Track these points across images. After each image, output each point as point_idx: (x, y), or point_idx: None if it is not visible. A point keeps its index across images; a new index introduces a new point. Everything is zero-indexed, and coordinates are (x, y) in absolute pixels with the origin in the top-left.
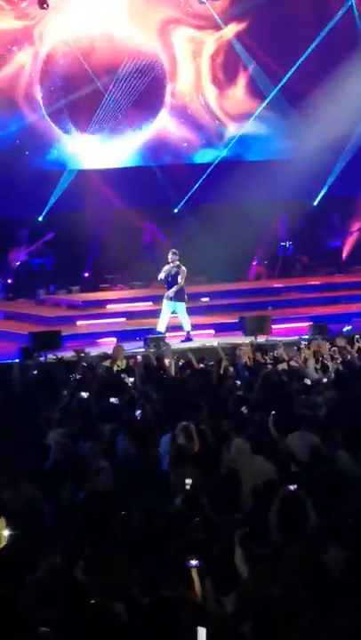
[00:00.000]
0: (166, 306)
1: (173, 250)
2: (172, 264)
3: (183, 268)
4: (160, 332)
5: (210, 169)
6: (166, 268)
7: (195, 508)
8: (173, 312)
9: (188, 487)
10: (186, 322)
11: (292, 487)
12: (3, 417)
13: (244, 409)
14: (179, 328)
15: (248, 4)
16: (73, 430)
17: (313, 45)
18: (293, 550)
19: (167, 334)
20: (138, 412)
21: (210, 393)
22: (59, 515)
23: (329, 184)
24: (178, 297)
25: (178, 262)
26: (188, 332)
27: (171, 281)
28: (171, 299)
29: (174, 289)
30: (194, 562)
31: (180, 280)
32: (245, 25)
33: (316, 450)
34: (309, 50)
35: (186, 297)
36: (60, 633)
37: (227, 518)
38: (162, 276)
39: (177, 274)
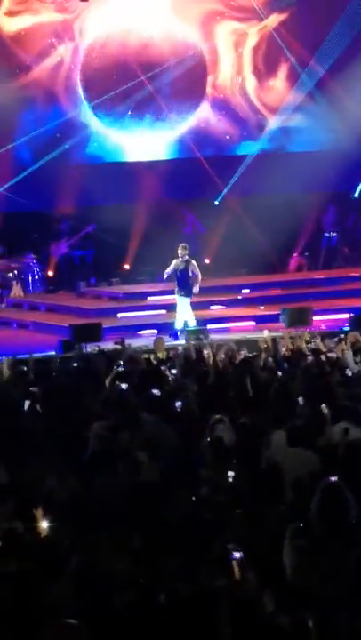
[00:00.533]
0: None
1: (184, 244)
2: (180, 259)
3: (193, 262)
4: (185, 327)
5: (250, 160)
6: (174, 262)
7: (237, 501)
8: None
9: (230, 480)
10: (180, 319)
11: (333, 479)
12: (44, 409)
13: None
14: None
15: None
16: (114, 422)
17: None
18: (335, 543)
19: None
20: (178, 404)
21: (251, 384)
22: (99, 506)
23: None
24: (186, 292)
25: (187, 257)
26: (177, 331)
27: (180, 276)
28: (180, 294)
29: (197, 286)
30: (237, 554)
31: (196, 273)
32: (287, 16)
33: (358, 442)
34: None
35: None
36: (98, 625)
37: (269, 511)
38: (168, 270)
39: (186, 268)
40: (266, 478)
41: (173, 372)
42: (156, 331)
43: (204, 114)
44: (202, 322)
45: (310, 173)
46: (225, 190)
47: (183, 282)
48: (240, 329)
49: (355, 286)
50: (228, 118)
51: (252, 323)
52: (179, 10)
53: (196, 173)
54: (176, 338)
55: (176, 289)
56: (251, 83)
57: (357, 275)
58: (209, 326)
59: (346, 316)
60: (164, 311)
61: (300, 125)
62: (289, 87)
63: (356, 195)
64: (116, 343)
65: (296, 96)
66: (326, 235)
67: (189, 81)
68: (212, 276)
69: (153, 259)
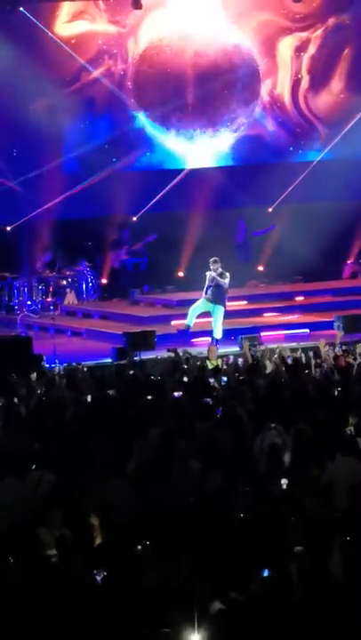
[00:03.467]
0: (205, 307)
1: (214, 258)
2: (212, 272)
3: (226, 273)
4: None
5: (305, 168)
6: (208, 274)
7: (292, 509)
8: (210, 314)
9: (283, 487)
10: (219, 328)
11: None
12: (100, 416)
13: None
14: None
15: (342, 3)
16: (168, 429)
17: None
18: None
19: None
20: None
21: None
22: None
23: None
24: (217, 299)
25: (220, 270)
26: (216, 339)
27: (215, 287)
28: (210, 300)
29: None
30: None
31: (224, 282)
32: (342, 21)
33: None
34: None
35: (226, 302)
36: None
37: (324, 519)
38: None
39: (215, 279)
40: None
41: (224, 379)
42: (209, 338)
43: (259, 121)
44: (255, 329)
45: None
46: (280, 198)
47: (219, 293)
48: (294, 336)
49: None
50: (282, 126)
51: (307, 330)
52: (233, 18)
53: (251, 181)
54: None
55: (212, 299)
56: (306, 89)
57: None
58: (263, 333)
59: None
60: None
61: (357, 132)
62: (345, 94)
63: None
64: (169, 351)
65: (354, 102)
66: None
67: (244, 88)
68: (265, 282)
69: (207, 266)
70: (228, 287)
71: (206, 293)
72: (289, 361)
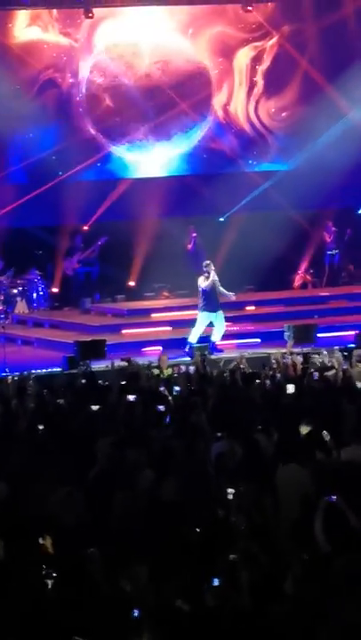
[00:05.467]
0: (208, 319)
1: (205, 262)
2: (203, 275)
3: (209, 275)
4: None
5: (256, 178)
6: (199, 279)
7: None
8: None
9: (230, 497)
10: (217, 332)
11: (332, 498)
12: (51, 425)
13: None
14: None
15: (294, 10)
16: (120, 438)
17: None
18: (341, 561)
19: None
20: (183, 421)
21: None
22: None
23: None
24: (206, 307)
25: (208, 273)
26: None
27: (202, 292)
28: (201, 309)
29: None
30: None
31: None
32: (292, 31)
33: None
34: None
35: (215, 305)
36: None
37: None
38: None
39: (208, 284)
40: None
41: (177, 388)
42: (160, 347)
43: (210, 131)
44: (206, 338)
45: (314, 191)
46: (234, 208)
47: (205, 297)
48: (245, 345)
49: (360, 303)
50: (235, 137)
51: (258, 340)
52: (185, 29)
53: (203, 190)
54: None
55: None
56: (256, 99)
57: None
58: (186, 349)
59: (351, 333)
60: (168, 328)
61: (305, 142)
62: (295, 103)
63: (360, 211)
64: (122, 360)
65: (303, 112)
66: (329, 253)
67: (195, 98)
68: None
69: (158, 276)
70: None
71: (207, 304)
72: (244, 370)
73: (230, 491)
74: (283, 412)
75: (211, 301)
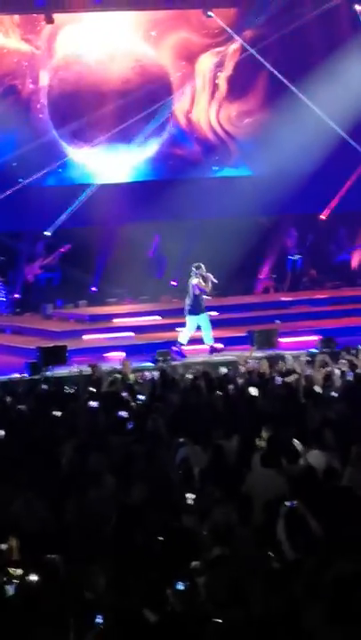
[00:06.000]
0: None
1: (195, 264)
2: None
3: (195, 280)
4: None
5: (217, 183)
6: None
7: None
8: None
9: (190, 502)
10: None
11: (292, 503)
12: (13, 431)
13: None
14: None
15: (256, 15)
16: (82, 443)
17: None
18: (304, 565)
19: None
20: (146, 426)
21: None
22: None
23: (336, 198)
24: (190, 309)
25: (193, 275)
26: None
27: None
28: (189, 312)
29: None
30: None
31: (203, 289)
32: (255, 36)
33: (328, 467)
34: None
35: (199, 308)
36: None
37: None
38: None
39: (192, 286)
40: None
41: (140, 397)
42: (123, 353)
43: (172, 136)
44: (168, 344)
45: (278, 196)
46: (193, 213)
47: (190, 300)
48: (208, 350)
49: (322, 308)
50: (197, 142)
51: (220, 345)
52: (148, 34)
53: (165, 196)
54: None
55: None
56: (218, 104)
57: (324, 296)
58: (175, 348)
59: (313, 337)
60: (131, 333)
61: (267, 148)
62: (257, 108)
63: (322, 216)
64: (89, 366)
65: (265, 117)
66: (290, 258)
67: (156, 103)
68: (179, 298)
69: (119, 281)
70: (201, 292)
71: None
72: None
73: (190, 496)
74: (245, 418)
75: (195, 304)
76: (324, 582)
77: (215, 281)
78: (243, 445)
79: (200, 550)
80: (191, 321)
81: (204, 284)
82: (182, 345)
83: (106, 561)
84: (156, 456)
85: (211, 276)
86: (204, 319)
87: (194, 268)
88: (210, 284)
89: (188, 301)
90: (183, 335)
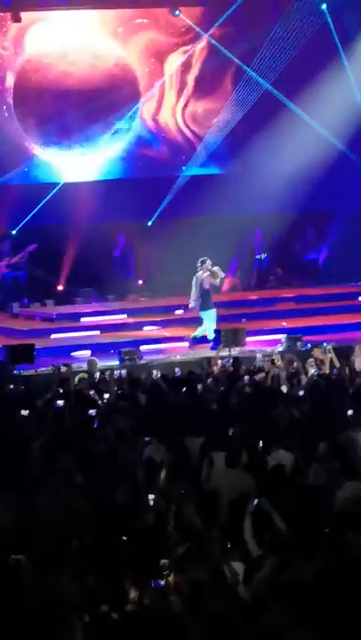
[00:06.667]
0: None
1: (201, 259)
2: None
3: (199, 274)
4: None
5: (184, 183)
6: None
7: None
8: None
9: (151, 503)
10: (202, 329)
11: (258, 501)
12: None
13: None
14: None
15: (221, 14)
16: (49, 442)
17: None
18: (268, 562)
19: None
20: (112, 425)
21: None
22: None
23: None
24: (203, 305)
25: (200, 271)
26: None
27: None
28: (201, 309)
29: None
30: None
31: (206, 287)
32: (222, 35)
33: (295, 465)
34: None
35: (208, 304)
36: None
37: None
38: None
39: (198, 283)
40: (204, 499)
41: (106, 396)
42: (89, 352)
43: (137, 135)
44: (135, 342)
45: (243, 195)
46: (158, 212)
47: (199, 295)
48: (174, 349)
49: (288, 307)
50: (165, 141)
51: (186, 344)
52: (115, 33)
53: (132, 195)
54: (214, 348)
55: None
56: (183, 103)
57: (290, 295)
58: (142, 347)
59: (279, 336)
60: (97, 332)
61: (235, 147)
62: (224, 107)
63: (288, 216)
64: (55, 365)
65: (232, 116)
66: (257, 257)
67: (122, 102)
68: (146, 297)
69: (86, 280)
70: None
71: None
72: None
73: (151, 497)
74: (213, 416)
75: (206, 299)
76: (285, 582)
77: (223, 275)
78: (208, 444)
79: (166, 549)
80: (207, 316)
81: (213, 278)
82: (209, 340)
83: (73, 561)
84: (121, 455)
85: (218, 270)
86: (213, 315)
87: (200, 263)
88: (219, 278)
89: (194, 297)
90: (206, 330)
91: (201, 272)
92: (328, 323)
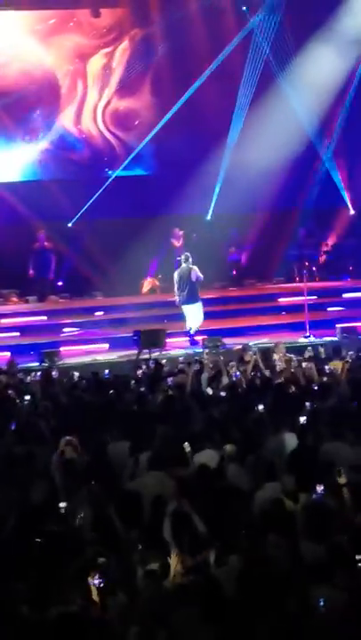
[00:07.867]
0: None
1: (184, 255)
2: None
3: (184, 266)
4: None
5: (108, 184)
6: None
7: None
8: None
9: (62, 510)
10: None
11: (177, 502)
12: None
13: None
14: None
15: (144, 13)
16: None
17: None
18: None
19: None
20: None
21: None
22: None
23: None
24: (190, 299)
25: (184, 266)
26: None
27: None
28: (186, 302)
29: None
30: (96, 580)
31: (192, 279)
32: (143, 36)
33: (216, 466)
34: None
35: (196, 296)
36: None
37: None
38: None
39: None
40: (125, 501)
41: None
42: (9, 353)
43: (62, 138)
44: (55, 344)
45: (164, 197)
46: (79, 213)
47: (186, 288)
48: (94, 351)
49: (207, 309)
50: (87, 142)
51: (106, 345)
52: (37, 34)
53: (53, 196)
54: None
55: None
56: (106, 104)
57: (212, 296)
58: (62, 348)
59: (201, 337)
60: (17, 333)
61: (157, 148)
62: (147, 109)
63: (208, 217)
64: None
65: (155, 118)
66: (178, 258)
67: (43, 103)
68: (65, 298)
69: (6, 280)
70: (197, 280)
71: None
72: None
73: (62, 505)
74: (134, 417)
75: (192, 291)
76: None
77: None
78: (132, 446)
79: (82, 552)
80: (192, 308)
81: (199, 272)
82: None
83: None
84: (37, 457)
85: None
86: (198, 307)
87: (183, 258)
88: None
89: (178, 292)
90: (192, 323)
91: (185, 265)
92: (248, 324)
